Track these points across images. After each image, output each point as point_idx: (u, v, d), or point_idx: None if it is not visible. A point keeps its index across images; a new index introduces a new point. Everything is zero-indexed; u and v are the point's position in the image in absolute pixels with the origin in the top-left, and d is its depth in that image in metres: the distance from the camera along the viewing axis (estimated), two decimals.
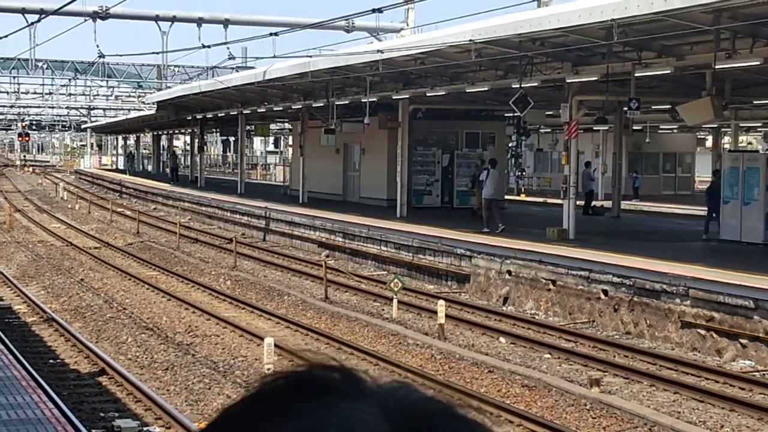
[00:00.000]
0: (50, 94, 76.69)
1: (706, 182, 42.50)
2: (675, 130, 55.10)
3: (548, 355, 17.30)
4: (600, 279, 19.99)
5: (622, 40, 20.36)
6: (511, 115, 39.00)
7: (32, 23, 31.37)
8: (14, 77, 70.89)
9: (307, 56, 31.14)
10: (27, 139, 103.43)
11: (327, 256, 29.82)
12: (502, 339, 18.78)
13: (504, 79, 27.16)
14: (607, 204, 36.61)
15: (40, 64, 65.45)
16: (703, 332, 17.54)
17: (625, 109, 24.96)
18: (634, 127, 42.82)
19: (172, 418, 12.95)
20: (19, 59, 62.16)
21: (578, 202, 28.76)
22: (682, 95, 29.47)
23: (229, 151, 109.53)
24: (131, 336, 18.55)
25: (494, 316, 21.13)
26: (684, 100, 30.06)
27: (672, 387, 15.01)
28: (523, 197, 51.44)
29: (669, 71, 22.70)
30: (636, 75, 23.16)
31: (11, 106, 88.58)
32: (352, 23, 35.25)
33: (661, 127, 52.74)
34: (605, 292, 19.78)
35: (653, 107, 35.95)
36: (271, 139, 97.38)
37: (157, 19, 36.73)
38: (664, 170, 58.31)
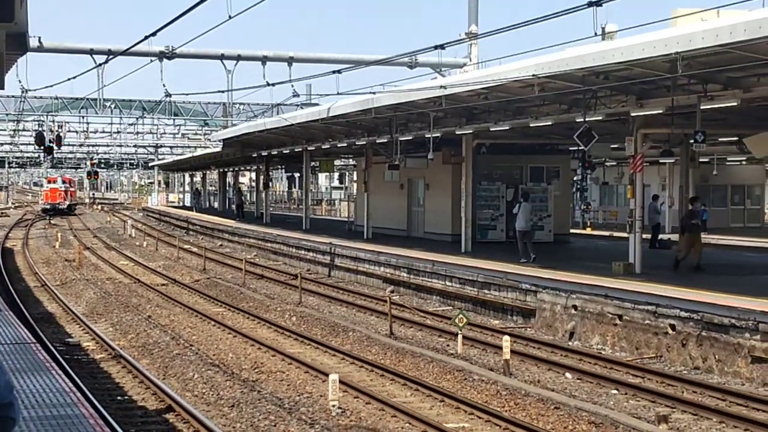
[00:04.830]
0: (118, 132, 77.96)
1: None
2: (743, 162, 54.48)
3: (615, 391, 17.11)
4: (667, 313, 19.75)
5: (687, 72, 20.16)
6: (576, 148, 38.86)
7: (100, 64, 31.96)
8: (83, 117, 72.13)
9: (371, 93, 31.28)
10: (96, 177, 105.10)
11: (392, 292, 29.86)
12: (568, 374, 18.62)
13: (568, 113, 27.05)
14: (674, 237, 36.20)
15: (108, 103, 66.63)
16: None
17: (692, 141, 24.70)
18: (701, 160, 42.46)
19: None
20: (87, 99, 63.34)
21: (644, 236, 28.41)
22: (749, 127, 29.21)
23: (294, 187, 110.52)
24: (198, 372, 18.67)
25: (560, 352, 20.95)
26: (751, 132, 29.84)
27: (742, 423, 14.73)
28: (588, 231, 51.13)
29: (735, 103, 22.39)
30: (702, 107, 22.89)
31: (80, 145, 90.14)
32: (416, 59, 35.38)
33: (728, 159, 52.19)
34: (673, 327, 19.53)
35: (720, 139, 35.62)
36: (336, 174, 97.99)
37: (222, 57, 37.16)
38: (732, 203, 57.70)
